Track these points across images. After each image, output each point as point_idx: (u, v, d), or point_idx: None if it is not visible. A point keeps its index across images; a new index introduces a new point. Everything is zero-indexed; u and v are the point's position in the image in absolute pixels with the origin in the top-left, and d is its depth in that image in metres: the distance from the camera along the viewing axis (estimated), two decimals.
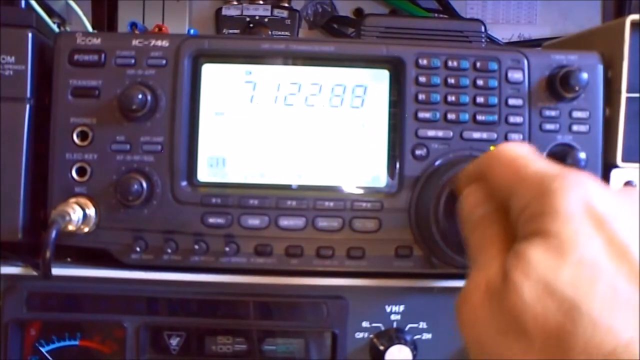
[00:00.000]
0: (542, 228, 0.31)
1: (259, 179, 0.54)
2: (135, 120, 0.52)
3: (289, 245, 0.53)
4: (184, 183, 0.53)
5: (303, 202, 0.53)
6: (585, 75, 0.53)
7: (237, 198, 0.52)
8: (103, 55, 0.52)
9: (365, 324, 0.54)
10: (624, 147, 0.55)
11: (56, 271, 0.48)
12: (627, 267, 0.29)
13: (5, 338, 0.51)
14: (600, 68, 0.55)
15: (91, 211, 0.51)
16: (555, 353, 0.28)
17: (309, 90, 0.54)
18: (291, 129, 0.54)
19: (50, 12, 0.68)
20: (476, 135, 0.54)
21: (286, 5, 0.85)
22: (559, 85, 0.53)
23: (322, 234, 0.53)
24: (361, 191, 0.54)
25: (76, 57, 0.52)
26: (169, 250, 0.52)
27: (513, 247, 0.32)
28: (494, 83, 0.54)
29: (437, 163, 0.53)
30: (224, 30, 0.83)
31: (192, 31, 0.84)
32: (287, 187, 0.54)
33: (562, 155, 0.53)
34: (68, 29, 0.76)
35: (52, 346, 0.53)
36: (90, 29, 0.72)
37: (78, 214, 0.50)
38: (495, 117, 0.54)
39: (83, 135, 0.52)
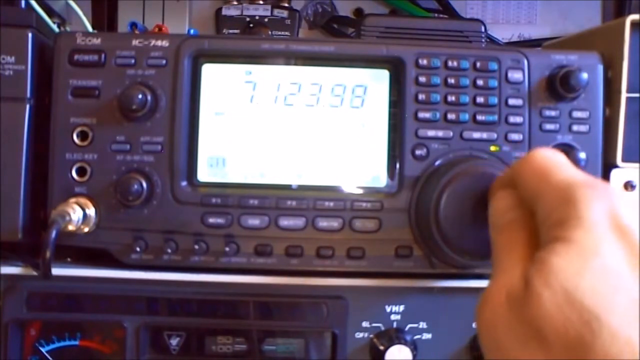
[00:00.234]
0: (566, 235, 0.30)
1: (259, 179, 0.54)
2: (135, 120, 0.52)
3: (289, 245, 0.53)
4: (184, 183, 0.53)
5: (303, 202, 0.53)
6: (585, 75, 0.53)
7: (237, 198, 0.52)
8: (103, 55, 0.52)
9: (365, 324, 0.54)
10: (624, 147, 0.55)
11: (56, 271, 0.48)
12: None
13: (5, 338, 0.51)
14: (600, 68, 0.55)
15: (91, 211, 0.51)
16: None
17: (309, 90, 0.54)
18: (291, 129, 0.54)
19: (50, 12, 0.68)
20: (476, 135, 0.54)
21: (286, 5, 0.86)
22: (559, 85, 0.53)
23: (322, 234, 0.53)
24: (361, 191, 0.54)
25: (76, 57, 0.52)
26: (169, 250, 0.52)
27: (536, 253, 0.32)
28: (494, 83, 0.54)
29: (437, 163, 0.53)
30: (224, 30, 0.83)
31: (192, 31, 0.84)
32: (287, 187, 0.54)
33: None
34: (68, 29, 0.76)
35: (52, 346, 0.53)
36: (90, 29, 0.72)
37: (78, 214, 0.50)
38: (495, 117, 0.54)
39: (83, 135, 0.52)
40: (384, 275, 0.54)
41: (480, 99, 0.54)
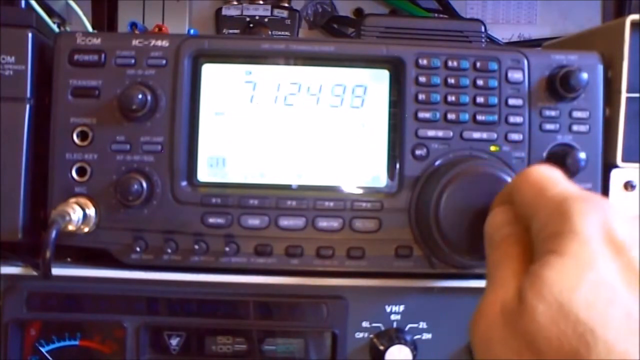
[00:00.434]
0: (560, 248, 0.30)
1: (259, 179, 0.54)
2: (135, 120, 0.52)
3: (289, 245, 0.53)
4: (184, 183, 0.53)
5: (303, 202, 0.53)
6: (585, 75, 0.53)
7: (237, 198, 0.52)
8: (103, 55, 0.52)
9: (365, 324, 0.54)
10: (624, 147, 0.55)
11: (56, 271, 0.48)
12: None
13: (5, 338, 0.51)
14: (600, 68, 0.55)
15: (91, 211, 0.51)
16: None
17: (309, 90, 0.54)
18: (291, 129, 0.54)
19: (50, 12, 0.68)
20: (476, 135, 0.54)
21: (286, 5, 0.86)
22: (559, 85, 0.53)
23: (322, 234, 0.53)
24: (361, 191, 0.54)
25: (76, 57, 0.52)
26: (169, 250, 0.52)
27: (530, 267, 0.32)
28: (494, 83, 0.54)
29: (437, 163, 0.53)
30: (224, 30, 0.83)
31: (192, 31, 0.84)
32: (287, 187, 0.54)
33: (562, 155, 0.53)
34: (68, 29, 0.76)
35: (52, 346, 0.53)
36: (90, 29, 0.72)
37: (78, 214, 0.50)
38: (495, 117, 0.54)
39: (83, 135, 0.52)
40: (384, 275, 0.54)
41: (480, 99, 0.54)
